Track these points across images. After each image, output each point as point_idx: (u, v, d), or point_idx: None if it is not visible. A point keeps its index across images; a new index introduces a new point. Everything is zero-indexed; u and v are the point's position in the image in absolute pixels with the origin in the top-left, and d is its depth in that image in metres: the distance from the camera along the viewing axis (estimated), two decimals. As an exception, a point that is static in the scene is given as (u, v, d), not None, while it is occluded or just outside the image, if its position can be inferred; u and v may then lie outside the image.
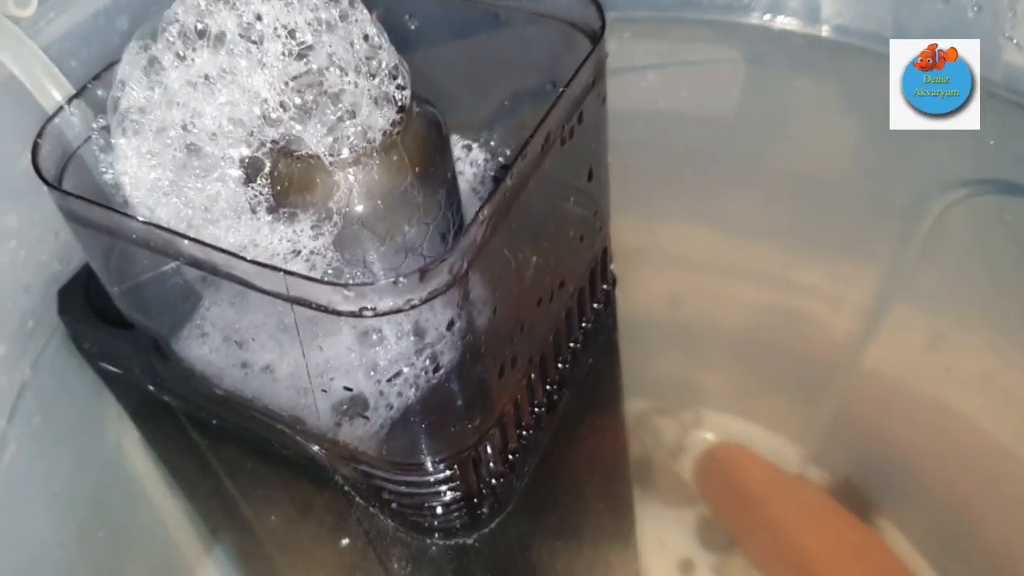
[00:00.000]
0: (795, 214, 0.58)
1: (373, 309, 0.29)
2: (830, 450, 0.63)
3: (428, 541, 0.38)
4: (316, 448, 0.36)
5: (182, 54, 0.33)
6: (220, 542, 0.46)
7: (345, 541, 0.40)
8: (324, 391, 0.34)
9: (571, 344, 0.40)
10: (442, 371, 0.33)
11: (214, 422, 0.40)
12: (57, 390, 0.42)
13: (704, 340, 0.64)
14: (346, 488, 0.38)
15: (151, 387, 0.40)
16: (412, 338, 0.32)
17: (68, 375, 0.42)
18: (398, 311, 0.29)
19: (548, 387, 0.40)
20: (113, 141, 0.34)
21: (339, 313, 0.29)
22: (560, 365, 0.40)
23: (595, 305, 0.42)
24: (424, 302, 0.29)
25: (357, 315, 0.29)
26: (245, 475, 0.41)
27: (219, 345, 0.37)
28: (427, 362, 0.33)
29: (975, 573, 0.58)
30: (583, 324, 0.41)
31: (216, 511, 0.43)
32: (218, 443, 0.41)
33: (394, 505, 0.37)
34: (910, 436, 0.59)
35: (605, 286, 0.42)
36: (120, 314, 0.39)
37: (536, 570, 0.43)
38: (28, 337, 0.41)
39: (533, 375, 0.38)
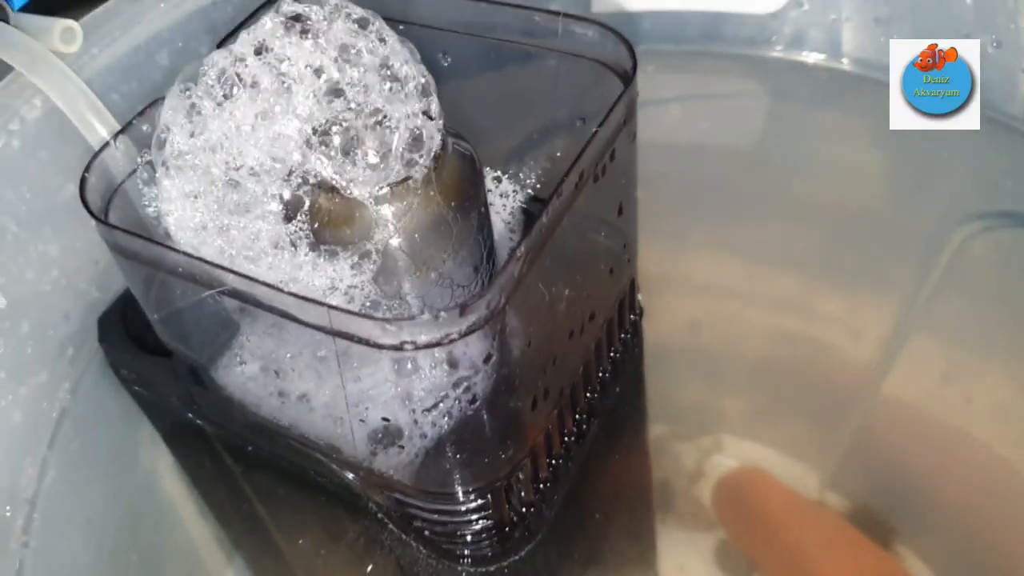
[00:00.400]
0: (816, 244, 0.59)
1: (413, 343, 0.30)
2: (849, 477, 0.63)
3: (459, 568, 0.38)
4: (351, 476, 0.37)
5: (221, 99, 0.34)
6: (251, 568, 0.46)
7: (376, 568, 0.40)
8: (361, 420, 0.34)
9: (600, 374, 0.41)
10: (477, 403, 0.33)
11: (249, 449, 0.40)
12: (95, 416, 0.42)
13: (724, 366, 0.64)
14: (379, 515, 0.39)
15: (188, 414, 0.41)
16: (449, 370, 0.33)
17: (105, 401, 0.43)
18: (437, 344, 0.30)
19: (578, 417, 0.40)
20: (158, 176, 0.35)
21: (380, 346, 0.30)
22: (589, 395, 0.41)
23: (623, 335, 0.42)
24: (462, 336, 0.30)
25: (398, 348, 0.30)
26: (278, 502, 0.41)
27: (256, 374, 0.38)
28: (463, 394, 0.33)
29: (995, 602, 0.58)
30: (611, 354, 0.42)
31: (248, 537, 0.44)
32: (252, 470, 0.41)
33: (426, 533, 0.38)
34: (930, 464, 0.59)
35: (632, 316, 0.43)
36: (158, 342, 0.39)
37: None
38: (68, 364, 0.42)
39: (564, 406, 0.38)
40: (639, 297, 0.44)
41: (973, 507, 0.59)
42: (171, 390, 0.40)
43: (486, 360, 0.32)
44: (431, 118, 0.34)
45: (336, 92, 0.33)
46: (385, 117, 0.33)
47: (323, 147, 0.33)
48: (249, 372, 0.38)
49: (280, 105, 0.34)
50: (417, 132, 0.33)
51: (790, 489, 0.65)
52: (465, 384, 0.33)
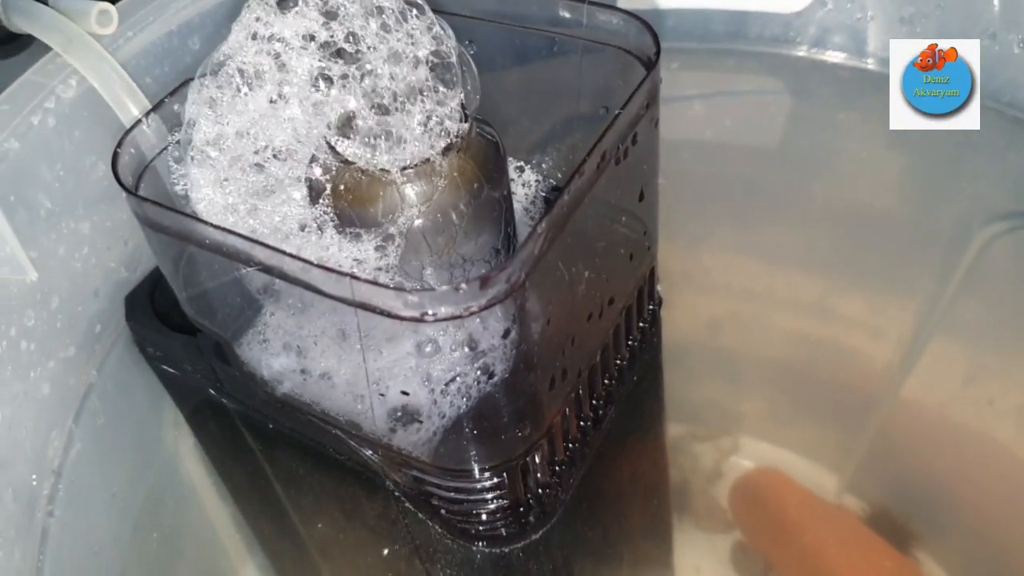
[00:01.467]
0: (837, 245, 0.59)
1: (434, 314, 0.30)
2: (868, 479, 0.63)
3: (474, 549, 0.38)
4: (370, 453, 0.37)
5: (235, 90, 0.35)
6: (268, 549, 0.47)
7: (392, 548, 0.40)
8: (381, 395, 0.35)
9: (617, 360, 0.41)
10: (495, 379, 0.34)
11: (270, 427, 0.41)
12: (120, 393, 0.43)
13: (744, 367, 0.64)
14: (396, 494, 0.39)
15: (211, 391, 0.42)
16: (468, 346, 0.33)
17: (131, 379, 0.43)
18: (457, 317, 0.30)
19: (594, 402, 0.41)
20: (187, 165, 0.35)
21: (401, 318, 0.31)
22: (606, 381, 0.41)
23: (641, 324, 0.43)
24: (482, 309, 0.30)
25: (418, 319, 0.30)
26: (297, 481, 0.42)
27: (279, 351, 0.38)
28: (481, 370, 0.34)
29: (1015, 608, 0.57)
30: (629, 341, 0.42)
31: (267, 519, 0.44)
32: (272, 448, 0.42)
33: (443, 511, 0.38)
34: (950, 468, 0.59)
35: (651, 306, 0.43)
36: (184, 321, 0.40)
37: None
38: (96, 341, 0.42)
39: (581, 389, 0.39)
40: (659, 287, 0.44)
41: (993, 511, 0.58)
42: (195, 367, 0.41)
43: (505, 335, 0.33)
44: (461, 101, 0.34)
45: (338, 53, 0.34)
46: (413, 98, 0.34)
47: (345, 126, 0.34)
48: (272, 349, 0.38)
49: (288, 86, 0.34)
50: (444, 113, 0.34)
51: (808, 491, 0.65)
52: (484, 360, 0.33)
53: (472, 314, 0.30)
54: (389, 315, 0.30)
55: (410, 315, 0.30)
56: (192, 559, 0.45)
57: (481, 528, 0.38)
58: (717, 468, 0.66)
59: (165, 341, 0.41)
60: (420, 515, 0.39)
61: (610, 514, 0.47)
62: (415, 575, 0.40)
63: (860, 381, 0.62)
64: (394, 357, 0.34)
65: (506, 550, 0.39)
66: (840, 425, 0.64)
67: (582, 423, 0.40)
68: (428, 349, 0.34)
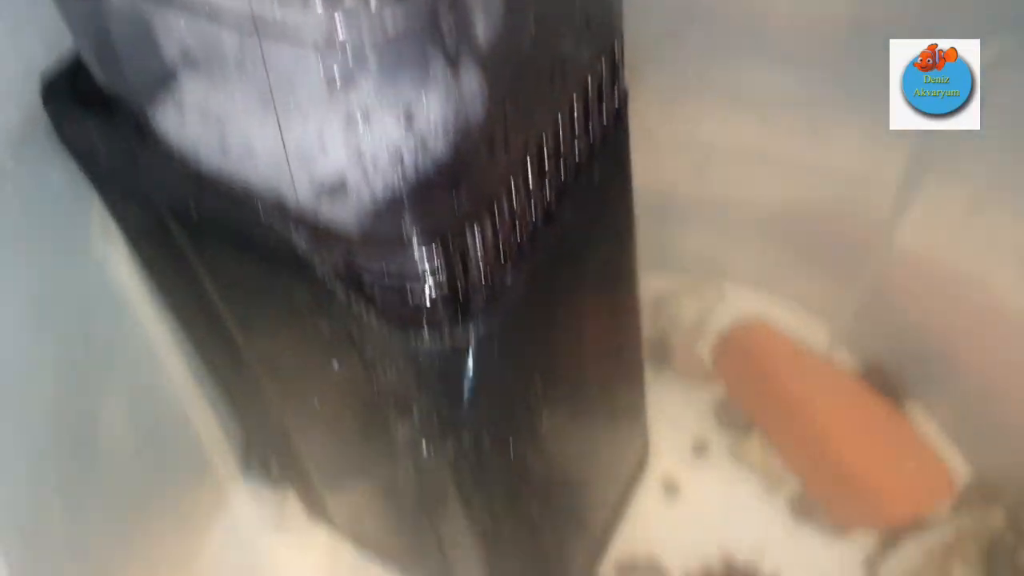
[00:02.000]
0: (826, 79, 0.55)
1: (344, 35, 0.27)
2: (861, 331, 0.60)
3: (413, 342, 0.36)
4: (297, 232, 0.34)
5: None
6: (203, 355, 0.44)
7: (328, 343, 0.38)
8: (302, 165, 0.32)
9: (576, 152, 0.38)
10: (425, 135, 0.31)
11: (196, 216, 0.38)
12: (39, 187, 0.40)
13: (730, 216, 0.61)
14: (328, 281, 0.36)
15: (133, 177, 0.39)
16: (389, 89, 0.30)
17: (51, 174, 0.40)
18: (373, 42, 0.27)
19: (546, 194, 0.37)
20: None
21: (306, 42, 0.27)
22: (560, 172, 0.38)
23: (602, 114, 0.39)
24: (401, 34, 0.27)
25: (325, 40, 0.27)
26: (227, 275, 0.39)
27: (198, 122, 0.35)
28: (406, 123, 0.30)
29: (1006, 461, 0.55)
30: (589, 128, 0.38)
31: (198, 321, 0.41)
32: (200, 241, 0.39)
33: (377, 298, 0.35)
34: (944, 317, 0.56)
35: (617, 97, 0.40)
36: (104, 106, 0.37)
37: (529, 391, 0.40)
38: (12, 128, 0.39)
39: (530, 170, 0.35)
40: (624, 83, 0.41)
41: (988, 363, 0.56)
42: (116, 150, 0.38)
43: (430, 79, 0.29)
44: None
45: None
46: None
47: None
48: (190, 121, 0.35)
49: None
50: None
51: (797, 344, 0.62)
52: (408, 112, 0.30)
53: (389, 38, 0.27)
54: (291, 39, 0.27)
55: (316, 35, 0.27)
56: (123, 370, 0.43)
57: (421, 317, 0.35)
58: (701, 319, 0.64)
59: (84, 125, 0.38)
60: (354, 306, 0.36)
61: (571, 336, 0.44)
62: (352, 369, 0.38)
63: (852, 228, 0.58)
64: (315, 122, 0.31)
65: (448, 346, 0.36)
66: (832, 274, 0.61)
67: (533, 217, 0.37)
68: (350, 104, 0.30)
